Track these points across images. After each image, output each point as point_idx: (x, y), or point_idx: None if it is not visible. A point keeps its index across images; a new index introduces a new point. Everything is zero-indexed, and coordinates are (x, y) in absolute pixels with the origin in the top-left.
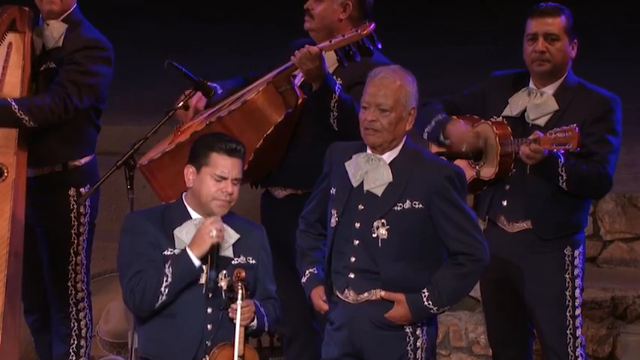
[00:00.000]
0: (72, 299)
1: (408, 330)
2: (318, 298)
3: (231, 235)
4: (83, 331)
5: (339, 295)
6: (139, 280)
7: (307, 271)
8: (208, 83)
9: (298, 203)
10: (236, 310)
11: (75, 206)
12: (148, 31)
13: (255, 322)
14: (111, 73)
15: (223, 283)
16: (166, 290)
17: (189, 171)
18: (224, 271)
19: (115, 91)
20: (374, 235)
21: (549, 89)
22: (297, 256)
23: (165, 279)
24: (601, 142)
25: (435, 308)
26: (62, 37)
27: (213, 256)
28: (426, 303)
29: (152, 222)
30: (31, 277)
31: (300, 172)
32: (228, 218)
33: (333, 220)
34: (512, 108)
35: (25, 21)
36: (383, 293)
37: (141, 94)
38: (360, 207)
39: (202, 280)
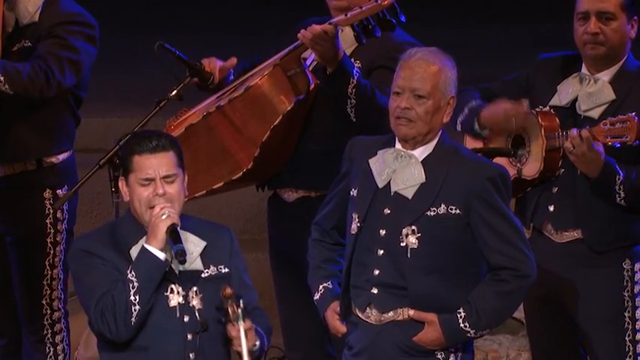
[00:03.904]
0: (47, 320)
1: (440, 356)
2: (334, 317)
3: (197, 244)
4: (60, 357)
5: (360, 315)
6: (105, 301)
7: (321, 287)
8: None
9: (311, 207)
10: (236, 334)
11: (51, 211)
12: (135, 7)
13: (258, 343)
14: (95, 53)
15: (196, 302)
16: (137, 297)
17: (122, 183)
18: (194, 288)
19: (96, 77)
20: (402, 244)
21: (605, 75)
22: (310, 270)
23: (131, 286)
24: None
25: (472, 331)
26: (38, 11)
27: (175, 237)
28: (462, 325)
29: (103, 244)
30: None
31: (314, 171)
32: (188, 224)
33: (354, 226)
34: (562, 97)
35: None
36: (412, 312)
37: (127, 82)
38: (387, 211)
39: (173, 302)
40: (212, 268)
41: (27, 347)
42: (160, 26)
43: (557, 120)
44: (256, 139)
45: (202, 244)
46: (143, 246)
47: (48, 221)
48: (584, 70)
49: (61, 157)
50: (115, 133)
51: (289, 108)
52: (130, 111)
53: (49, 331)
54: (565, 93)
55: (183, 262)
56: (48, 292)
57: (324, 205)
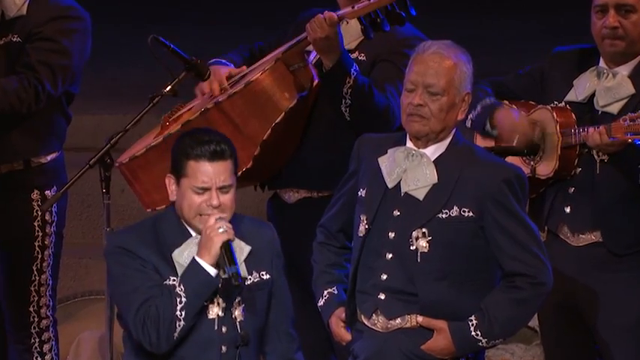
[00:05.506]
0: (34, 328)
1: None
2: (339, 324)
3: (243, 248)
4: None
5: (366, 322)
6: (148, 310)
7: (325, 292)
8: (217, 60)
9: (314, 209)
10: None
11: (39, 213)
12: None
13: None
14: (89, 47)
15: (237, 313)
16: (183, 313)
17: (170, 181)
18: (237, 298)
19: (85, 71)
20: (412, 248)
21: (624, 69)
22: (314, 274)
23: (179, 300)
24: None
25: (484, 340)
26: (26, 3)
27: (229, 256)
28: (473, 333)
29: (143, 243)
30: None
31: (317, 171)
32: (232, 223)
33: (362, 228)
34: (578, 92)
35: None
36: (421, 319)
37: (118, 77)
38: (396, 213)
39: (212, 315)
40: (255, 274)
41: (13, 356)
42: (154, 18)
43: (574, 116)
44: (256, 138)
45: (247, 249)
46: (194, 259)
47: (36, 224)
48: (602, 63)
49: (50, 157)
50: (106, 130)
51: (292, 105)
52: (122, 107)
53: (37, 339)
54: (582, 88)
55: (237, 285)
56: (35, 298)
57: (330, 207)
